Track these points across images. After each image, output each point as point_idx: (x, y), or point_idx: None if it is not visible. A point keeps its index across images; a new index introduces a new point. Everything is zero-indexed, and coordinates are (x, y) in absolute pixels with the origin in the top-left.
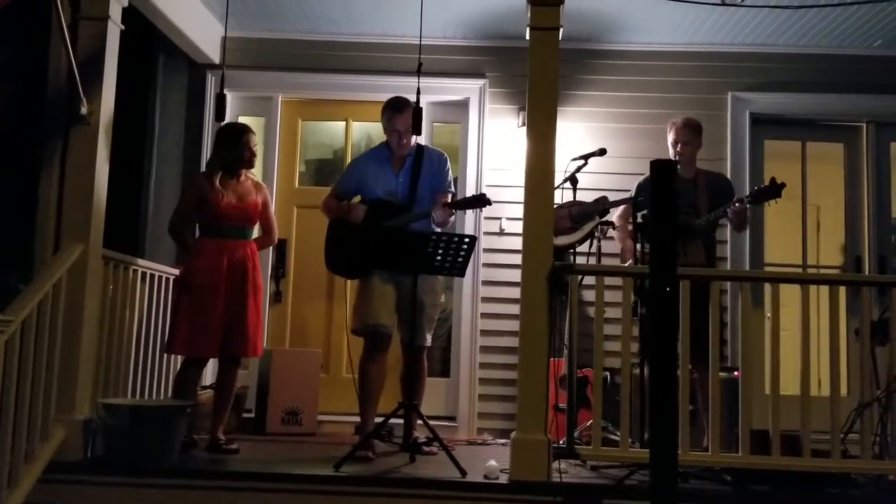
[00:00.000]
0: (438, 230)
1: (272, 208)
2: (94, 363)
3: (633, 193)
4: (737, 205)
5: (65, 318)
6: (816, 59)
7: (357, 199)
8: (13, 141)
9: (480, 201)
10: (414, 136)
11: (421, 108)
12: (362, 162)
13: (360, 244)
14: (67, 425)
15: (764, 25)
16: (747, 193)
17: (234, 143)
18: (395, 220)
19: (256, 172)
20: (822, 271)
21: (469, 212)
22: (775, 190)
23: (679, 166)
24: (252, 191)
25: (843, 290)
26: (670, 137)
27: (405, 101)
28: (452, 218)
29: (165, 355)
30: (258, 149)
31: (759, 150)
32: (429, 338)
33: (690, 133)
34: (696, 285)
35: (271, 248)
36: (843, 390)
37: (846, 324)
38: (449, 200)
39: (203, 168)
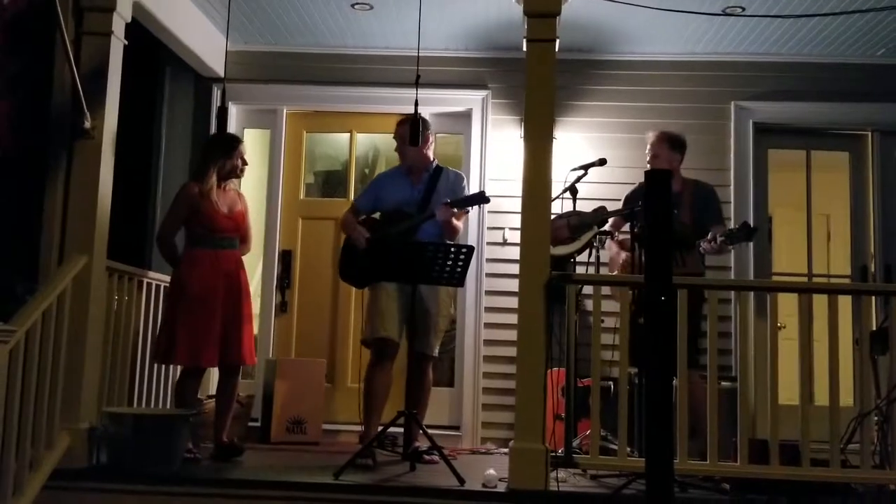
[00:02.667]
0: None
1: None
2: (99, 372)
3: (623, 205)
4: (704, 245)
5: (69, 327)
6: (820, 68)
7: (377, 215)
8: (19, 154)
9: (479, 198)
10: (433, 158)
11: (419, 119)
12: (381, 177)
13: (364, 254)
14: (72, 433)
15: (766, 35)
16: (721, 233)
17: (230, 154)
18: (399, 224)
19: (261, 184)
20: (832, 281)
21: (472, 222)
22: (747, 233)
23: None
24: (237, 200)
25: (844, 299)
26: (647, 148)
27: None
28: (459, 224)
29: (170, 366)
30: (262, 160)
31: (763, 160)
32: (436, 348)
33: (659, 146)
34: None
35: (276, 258)
36: (849, 400)
37: (850, 333)
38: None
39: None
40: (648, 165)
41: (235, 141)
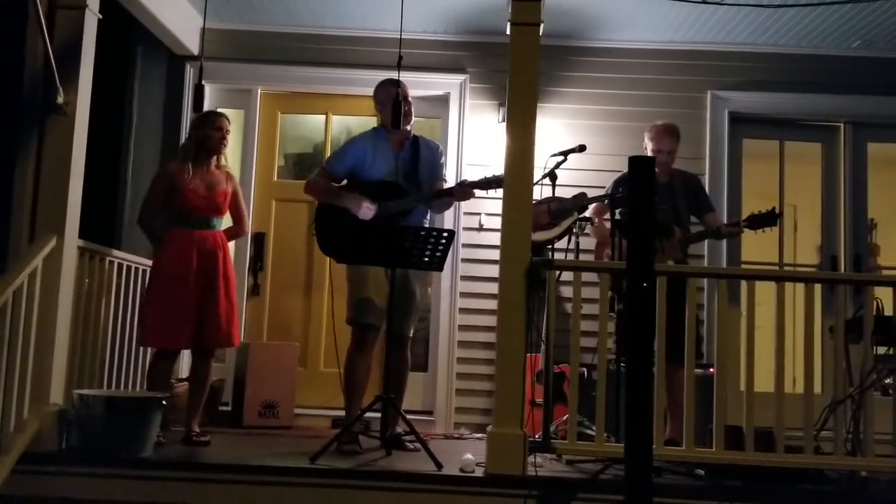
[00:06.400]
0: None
1: (242, 198)
2: (69, 354)
3: (609, 189)
4: (725, 230)
5: (39, 308)
6: (796, 59)
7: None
8: None
9: (499, 182)
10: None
11: (401, 103)
12: (359, 141)
13: (346, 231)
14: (42, 416)
15: (744, 25)
16: (744, 217)
17: (204, 123)
18: (401, 201)
19: (234, 165)
20: (799, 270)
21: (449, 208)
22: (772, 218)
23: (656, 170)
24: (222, 180)
25: (818, 287)
26: (651, 144)
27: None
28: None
29: (141, 347)
30: (236, 141)
31: (738, 149)
32: (413, 328)
33: (675, 141)
34: (672, 283)
35: (249, 240)
36: (818, 387)
37: (821, 321)
38: (444, 187)
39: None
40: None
41: (213, 114)
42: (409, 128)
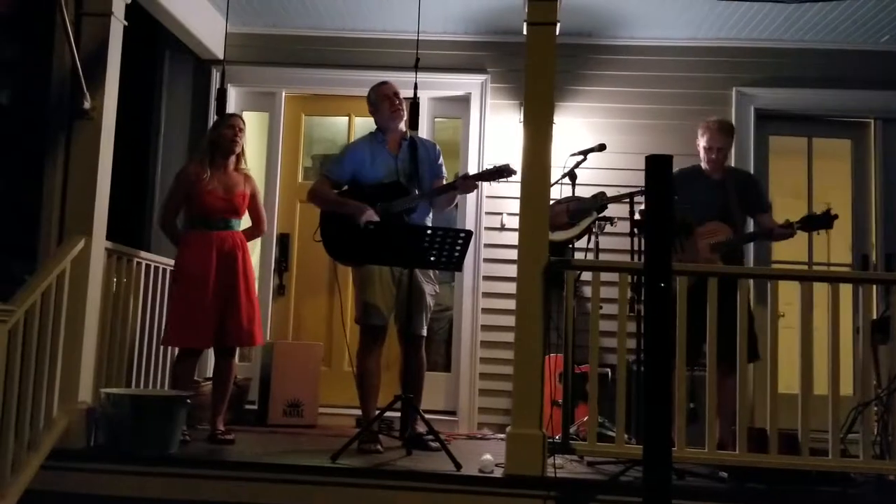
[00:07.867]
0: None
1: (261, 200)
2: (97, 353)
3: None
4: (780, 230)
5: (68, 308)
6: (823, 55)
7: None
8: (18, 135)
9: (506, 171)
10: (405, 127)
11: (418, 102)
12: (358, 145)
13: (358, 235)
14: (70, 414)
15: (769, 20)
16: (798, 220)
17: (217, 124)
18: (405, 199)
19: (259, 167)
20: (832, 269)
21: (470, 206)
22: (828, 220)
23: (707, 167)
24: (240, 182)
25: (845, 287)
26: (703, 141)
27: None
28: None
29: (166, 347)
30: (260, 143)
31: (764, 147)
32: (426, 328)
33: (728, 138)
34: (727, 284)
35: (274, 241)
36: (848, 389)
37: (851, 322)
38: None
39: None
40: (706, 157)
41: (227, 115)
42: (402, 127)
